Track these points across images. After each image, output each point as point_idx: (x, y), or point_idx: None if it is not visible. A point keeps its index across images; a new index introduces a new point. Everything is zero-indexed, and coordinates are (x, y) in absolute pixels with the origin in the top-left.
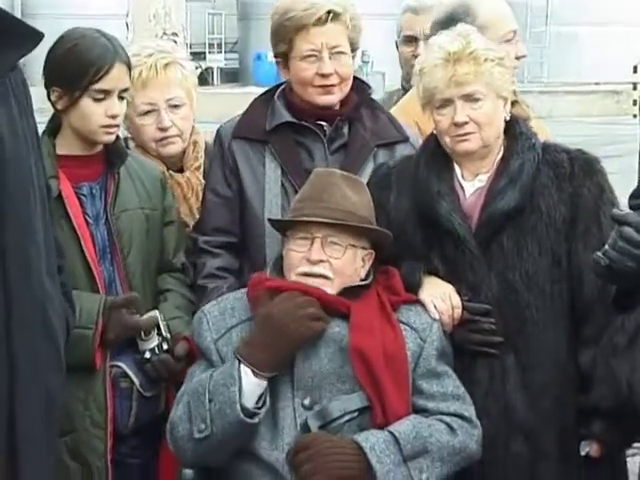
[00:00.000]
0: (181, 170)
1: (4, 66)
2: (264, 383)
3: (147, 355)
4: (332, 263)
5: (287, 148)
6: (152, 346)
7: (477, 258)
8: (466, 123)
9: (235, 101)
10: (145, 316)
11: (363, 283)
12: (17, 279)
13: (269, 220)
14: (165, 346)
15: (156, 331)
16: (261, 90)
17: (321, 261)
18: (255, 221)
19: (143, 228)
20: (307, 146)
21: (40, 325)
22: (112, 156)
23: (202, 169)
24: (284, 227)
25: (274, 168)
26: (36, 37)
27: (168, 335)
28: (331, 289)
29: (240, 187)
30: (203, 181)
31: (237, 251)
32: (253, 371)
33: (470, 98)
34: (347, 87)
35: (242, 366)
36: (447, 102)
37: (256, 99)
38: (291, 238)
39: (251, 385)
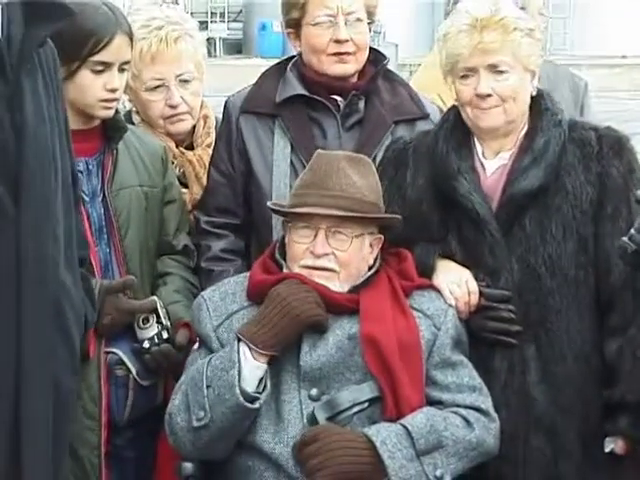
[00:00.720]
0: (191, 147)
1: (33, 42)
2: (264, 366)
3: (146, 345)
4: (337, 255)
5: (298, 123)
6: (151, 335)
7: (497, 241)
8: (489, 96)
9: (239, 74)
10: (143, 301)
11: (371, 273)
12: (30, 263)
13: (269, 208)
14: (165, 335)
15: (155, 319)
16: (266, 62)
17: (326, 254)
18: (263, 201)
19: (142, 207)
20: (320, 122)
21: (52, 317)
22: (110, 131)
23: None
24: (286, 214)
25: (283, 145)
26: (67, 12)
27: (168, 323)
28: (338, 281)
29: (247, 165)
30: None
31: (242, 232)
32: (253, 352)
33: (495, 69)
34: (363, 57)
35: (241, 349)
36: (471, 71)
37: (267, 70)
38: (293, 227)
39: (251, 368)
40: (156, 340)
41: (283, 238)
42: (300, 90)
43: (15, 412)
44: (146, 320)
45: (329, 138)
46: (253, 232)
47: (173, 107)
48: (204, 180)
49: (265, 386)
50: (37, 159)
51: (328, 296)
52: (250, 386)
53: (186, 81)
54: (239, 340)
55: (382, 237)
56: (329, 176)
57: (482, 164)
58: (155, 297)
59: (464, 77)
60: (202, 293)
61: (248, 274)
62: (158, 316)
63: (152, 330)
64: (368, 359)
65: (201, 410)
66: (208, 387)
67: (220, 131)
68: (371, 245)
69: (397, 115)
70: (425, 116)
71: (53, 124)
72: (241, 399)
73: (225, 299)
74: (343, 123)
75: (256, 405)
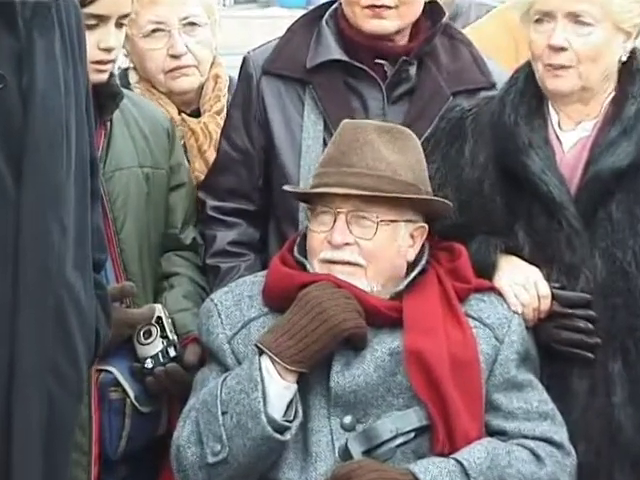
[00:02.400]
0: (197, 114)
1: None
2: (293, 386)
3: (148, 364)
4: (361, 245)
5: (334, 93)
6: (155, 352)
7: (577, 231)
8: (563, 50)
9: (253, 27)
10: (143, 309)
11: (416, 273)
12: (30, 254)
13: (284, 190)
14: (172, 352)
15: (158, 332)
16: (288, 13)
17: (347, 244)
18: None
19: (142, 192)
20: (360, 92)
21: (52, 322)
22: (103, 98)
23: (224, 113)
24: (305, 198)
25: (315, 119)
26: None
27: (175, 337)
28: (365, 279)
29: (269, 140)
30: None
31: (257, 221)
32: (278, 367)
33: (577, 19)
34: (410, 13)
35: (264, 365)
36: (547, 16)
37: (297, 22)
38: (312, 214)
39: (277, 389)
40: (161, 359)
41: (306, 230)
42: (337, 54)
43: (7, 428)
44: (148, 334)
45: (371, 112)
46: (272, 223)
47: (176, 57)
48: (209, 155)
49: (296, 412)
50: (45, 131)
51: (365, 303)
52: (278, 412)
53: (192, 25)
54: (260, 353)
55: (426, 226)
56: (353, 150)
57: (558, 137)
58: (159, 305)
59: (539, 21)
60: (211, 296)
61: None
62: (162, 329)
63: (156, 346)
64: (414, 379)
65: (217, 442)
66: (224, 414)
67: (236, 94)
68: (412, 236)
69: (457, 84)
70: (491, 86)
71: (69, 95)
72: (268, 429)
73: (240, 303)
74: (389, 94)
75: (287, 436)
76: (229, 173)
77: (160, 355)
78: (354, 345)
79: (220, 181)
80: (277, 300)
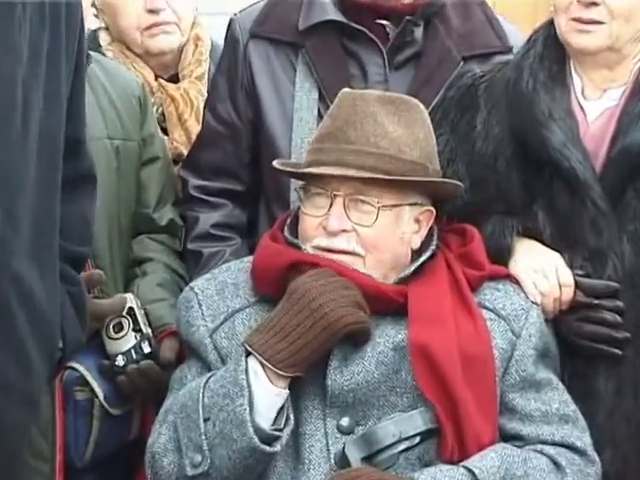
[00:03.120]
0: (176, 79)
1: None
2: (284, 392)
3: (119, 361)
4: (360, 233)
5: (329, 59)
6: (127, 348)
7: (603, 212)
8: (594, 4)
9: None
10: (113, 300)
11: (425, 258)
12: None
13: (274, 167)
14: (146, 348)
15: (130, 325)
16: None
17: (344, 231)
18: None
19: (111, 167)
20: (359, 57)
21: None
22: None
23: (207, 78)
24: (297, 176)
25: (308, 87)
26: None
27: (149, 330)
28: (364, 270)
29: (257, 112)
30: (206, 95)
31: (245, 202)
32: (268, 372)
33: None
34: None
35: (252, 367)
36: None
37: None
38: (305, 195)
39: (266, 395)
40: (133, 355)
41: (299, 210)
42: (333, 14)
43: None
44: (118, 327)
45: (371, 80)
46: (261, 204)
47: (154, 13)
48: (190, 124)
49: (287, 419)
50: None
51: (368, 287)
52: (266, 421)
53: None
54: (247, 353)
55: (433, 210)
56: (352, 124)
57: (582, 106)
58: (130, 294)
59: None
60: (191, 284)
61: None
62: (135, 321)
63: (128, 341)
64: (420, 377)
65: (197, 453)
66: (206, 420)
67: (221, 61)
68: (417, 221)
69: (468, 48)
70: (507, 49)
71: (37, 66)
72: (255, 440)
73: (224, 292)
74: (392, 59)
75: (276, 447)
76: (214, 149)
77: (133, 351)
78: (355, 340)
79: (204, 157)
80: (268, 283)
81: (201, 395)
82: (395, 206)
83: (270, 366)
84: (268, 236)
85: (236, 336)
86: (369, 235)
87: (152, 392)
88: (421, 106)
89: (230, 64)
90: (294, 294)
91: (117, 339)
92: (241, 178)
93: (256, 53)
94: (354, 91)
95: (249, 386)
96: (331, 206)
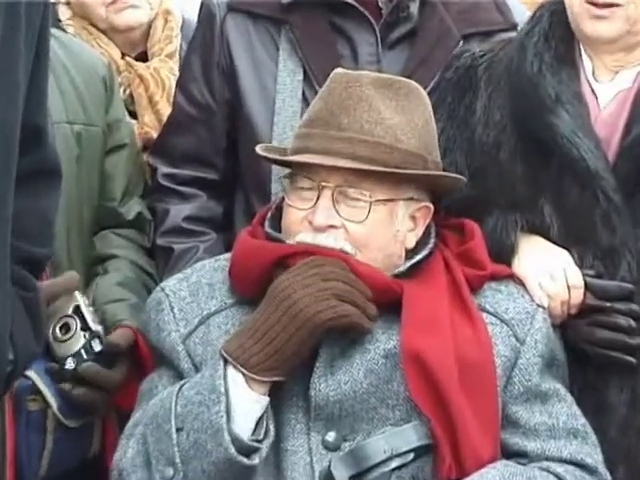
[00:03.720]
0: (144, 57)
1: None
2: (264, 399)
3: (69, 364)
4: (349, 230)
5: (316, 36)
6: (76, 349)
7: (616, 207)
8: None
9: None
10: (60, 300)
11: (420, 257)
12: None
13: (254, 154)
14: (97, 346)
15: (78, 324)
16: None
17: (332, 227)
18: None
19: (72, 155)
20: (349, 34)
21: None
22: None
23: (178, 56)
24: (282, 164)
25: (292, 67)
26: None
27: (99, 328)
28: None
29: (235, 93)
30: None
31: (220, 193)
32: (246, 377)
33: None
34: None
35: (230, 373)
36: None
37: None
38: (291, 185)
39: (245, 402)
40: (84, 356)
41: (282, 202)
42: None
43: None
44: (65, 328)
45: (362, 60)
46: (239, 195)
47: None
48: (161, 107)
49: (267, 430)
50: None
51: (362, 277)
52: (244, 430)
53: None
54: (225, 361)
55: (431, 207)
56: (345, 109)
57: (593, 89)
58: (77, 292)
59: None
60: (162, 285)
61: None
62: (82, 320)
63: (77, 341)
64: (413, 387)
65: (169, 466)
66: (179, 431)
67: (195, 37)
68: (413, 218)
69: (469, 25)
70: (510, 27)
71: None
72: (232, 450)
73: (198, 294)
74: (385, 37)
75: (255, 460)
76: (185, 133)
77: (83, 352)
78: (349, 336)
79: (174, 143)
80: (248, 283)
81: (174, 403)
82: (389, 201)
83: (245, 371)
84: (247, 232)
85: (211, 342)
86: (359, 232)
87: (105, 399)
88: (421, 90)
89: (205, 40)
90: (271, 294)
91: (65, 341)
92: (216, 166)
93: (234, 29)
94: (348, 72)
95: (227, 393)
96: (318, 198)
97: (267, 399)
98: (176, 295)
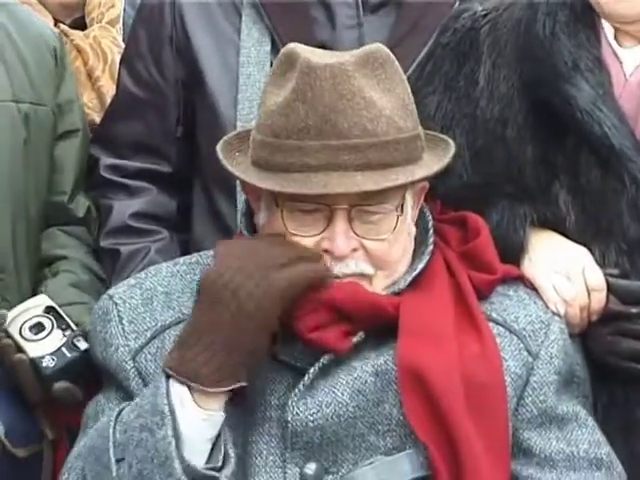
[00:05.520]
0: (82, 24)
1: None
2: (217, 416)
3: (48, 362)
4: (369, 249)
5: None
6: (56, 347)
7: None
8: None
9: None
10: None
11: (422, 266)
12: None
13: (214, 140)
14: (82, 344)
15: (54, 322)
16: None
17: (354, 250)
18: (218, 135)
19: (18, 138)
20: None
21: None
22: None
23: (122, 23)
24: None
25: (258, 37)
26: None
27: (73, 326)
28: (370, 289)
29: (191, 71)
30: (123, 45)
31: (173, 186)
32: (196, 392)
33: None
34: None
35: (175, 390)
36: None
37: None
38: (283, 206)
39: (194, 422)
40: (67, 353)
41: (248, 206)
42: None
43: None
44: (38, 328)
45: (340, 24)
46: (197, 189)
47: None
48: (104, 83)
49: (226, 456)
50: None
51: (359, 299)
52: (198, 456)
53: None
54: (168, 376)
55: (427, 184)
56: (340, 112)
57: (616, 54)
58: (42, 294)
59: None
60: (110, 292)
61: (194, 257)
62: (59, 318)
63: (54, 340)
64: (410, 408)
65: None
66: (120, 462)
67: (142, 5)
68: (412, 201)
69: None
70: None
71: None
72: None
73: (152, 303)
74: (366, 0)
75: None
76: (132, 118)
77: (65, 349)
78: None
79: (119, 130)
80: None
81: (112, 430)
82: (402, 202)
83: (194, 384)
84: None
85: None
86: (380, 250)
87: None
88: (390, 54)
89: (153, 9)
90: (206, 289)
91: (38, 340)
92: (168, 156)
93: None
94: (323, 61)
95: (172, 413)
96: (330, 222)
97: (221, 415)
98: (126, 304)
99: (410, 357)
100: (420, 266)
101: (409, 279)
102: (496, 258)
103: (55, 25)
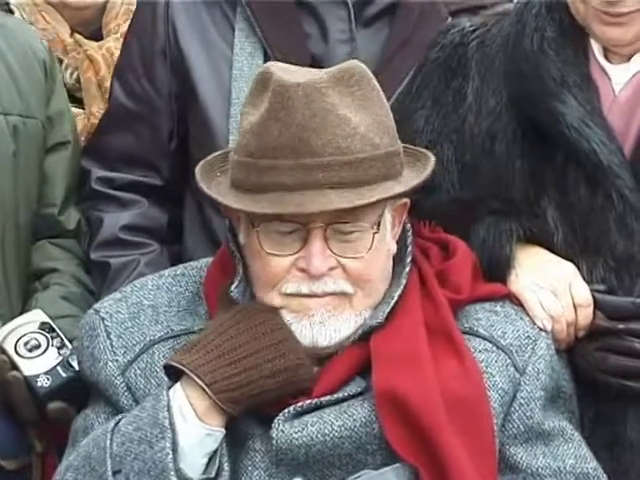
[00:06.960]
0: (98, 36)
1: None
2: (218, 433)
3: (43, 382)
4: (347, 268)
5: (277, 13)
6: (51, 366)
7: (633, 208)
8: None
9: None
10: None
11: (399, 292)
12: None
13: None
14: (77, 363)
15: (50, 340)
16: None
17: (331, 268)
18: (210, 148)
19: (7, 151)
20: (317, 10)
21: None
22: None
23: None
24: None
25: (251, 51)
26: None
27: (68, 343)
28: (351, 311)
29: (184, 83)
30: None
31: (164, 199)
32: (200, 403)
33: None
34: None
35: (176, 402)
36: None
37: None
38: (258, 226)
39: (195, 436)
40: (62, 373)
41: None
42: None
43: None
44: (33, 345)
45: (333, 39)
46: (188, 202)
47: None
48: None
49: (220, 468)
50: None
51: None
52: (194, 468)
53: None
54: (169, 385)
55: (407, 201)
56: (313, 130)
57: (605, 70)
58: (37, 309)
59: None
60: (96, 306)
61: (179, 269)
62: (55, 336)
63: (49, 358)
64: (390, 432)
65: None
66: (116, 474)
67: (135, 17)
68: (392, 219)
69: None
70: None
71: None
72: None
73: (139, 317)
74: (359, 13)
75: None
76: (123, 131)
77: (59, 369)
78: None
79: (111, 142)
80: None
81: (109, 442)
82: (379, 220)
83: (211, 394)
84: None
85: (155, 374)
86: (359, 268)
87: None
88: (366, 70)
89: (146, 21)
90: (252, 315)
91: (33, 358)
92: (159, 169)
93: (182, 7)
94: (296, 79)
95: (172, 426)
96: (306, 241)
97: (222, 432)
98: (113, 318)
99: (386, 383)
100: (397, 294)
101: (387, 310)
102: (467, 280)
103: (71, 35)
